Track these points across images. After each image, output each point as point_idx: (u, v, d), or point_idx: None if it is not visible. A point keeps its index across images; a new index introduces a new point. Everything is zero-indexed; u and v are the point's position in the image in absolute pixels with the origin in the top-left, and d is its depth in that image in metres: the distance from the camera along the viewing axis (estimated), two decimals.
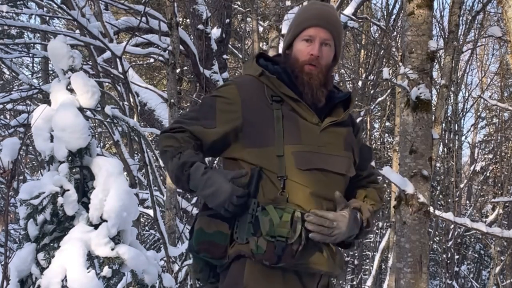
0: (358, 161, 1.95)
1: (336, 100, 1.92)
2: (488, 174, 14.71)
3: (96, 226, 2.60)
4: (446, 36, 6.99)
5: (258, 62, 1.94)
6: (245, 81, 1.91)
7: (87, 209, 2.64)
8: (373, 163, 4.42)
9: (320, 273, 1.82)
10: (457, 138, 12.53)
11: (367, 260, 14.06)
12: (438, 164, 11.92)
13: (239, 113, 1.82)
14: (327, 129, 1.85)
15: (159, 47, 5.54)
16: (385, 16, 11.61)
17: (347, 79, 10.74)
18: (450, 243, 11.34)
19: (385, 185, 12.30)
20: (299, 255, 1.72)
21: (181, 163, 1.75)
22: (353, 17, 7.92)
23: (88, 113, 3.21)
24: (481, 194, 14.87)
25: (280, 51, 2.06)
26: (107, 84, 7.06)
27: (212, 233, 1.77)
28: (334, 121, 1.87)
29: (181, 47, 6.30)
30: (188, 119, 1.88)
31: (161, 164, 6.68)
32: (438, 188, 13.52)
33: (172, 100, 4.79)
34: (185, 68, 10.69)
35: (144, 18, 6.49)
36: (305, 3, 7.29)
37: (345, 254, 10.61)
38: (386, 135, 14.72)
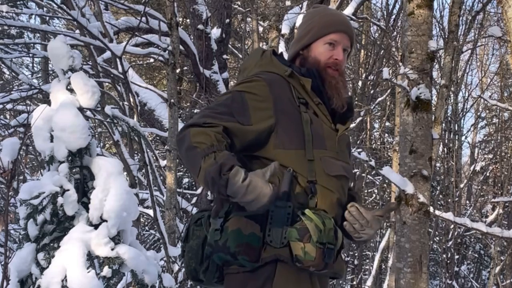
0: None
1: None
2: (488, 174, 14.71)
3: (96, 226, 2.60)
4: (446, 36, 6.98)
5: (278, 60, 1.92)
6: (274, 79, 1.83)
7: (87, 209, 2.64)
8: (373, 163, 4.41)
9: (337, 276, 1.87)
10: (457, 138, 12.54)
11: (367, 260, 14.05)
12: (438, 164, 11.92)
13: (272, 112, 1.76)
14: (340, 136, 1.89)
15: (159, 47, 5.54)
16: (385, 16, 11.62)
17: (347, 79, 10.73)
18: (450, 243, 11.34)
19: (385, 185, 12.31)
20: (337, 261, 1.76)
21: (219, 165, 1.57)
22: (353, 17, 7.91)
23: (88, 113, 3.21)
24: (481, 194, 14.87)
25: (280, 50, 2.05)
26: (107, 84, 7.06)
27: (248, 235, 1.69)
28: (347, 128, 1.91)
29: (181, 47, 6.30)
30: (219, 113, 1.71)
31: (161, 164, 6.69)
32: (438, 188, 13.52)
33: (172, 100, 4.79)
34: (185, 68, 10.70)
35: (144, 18, 6.50)
36: (305, 4, 7.30)
37: (345, 254, 10.61)
38: (386, 135, 14.71)
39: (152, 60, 8.92)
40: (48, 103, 2.86)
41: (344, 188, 1.86)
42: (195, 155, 1.63)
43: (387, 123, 13.72)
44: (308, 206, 1.74)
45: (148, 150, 5.53)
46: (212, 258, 1.75)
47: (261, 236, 1.70)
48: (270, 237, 1.69)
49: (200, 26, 7.42)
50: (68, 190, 2.61)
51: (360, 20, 8.87)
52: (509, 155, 12.91)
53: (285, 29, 7.31)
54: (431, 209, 4.53)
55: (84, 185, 2.75)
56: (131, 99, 5.71)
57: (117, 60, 5.06)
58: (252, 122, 1.73)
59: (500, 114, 13.77)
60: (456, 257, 11.82)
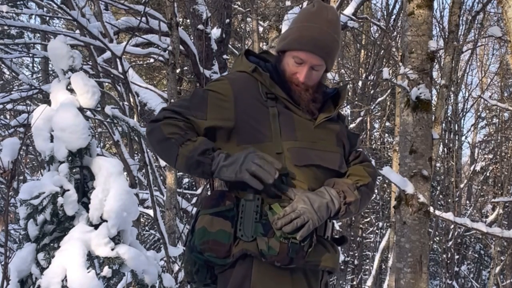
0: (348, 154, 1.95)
1: (326, 96, 1.93)
2: (488, 174, 14.72)
3: (96, 226, 2.60)
4: (446, 36, 6.98)
5: (248, 59, 1.93)
6: (238, 77, 1.88)
7: (87, 209, 2.64)
8: (373, 163, 4.41)
9: (327, 270, 1.82)
10: (457, 138, 12.54)
11: (367, 260, 14.06)
12: (438, 164, 11.93)
13: (232, 110, 1.79)
14: (320, 125, 1.85)
15: (159, 47, 5.54)
16: (385, 16, 11.63)
17: (347, 79, 10.76)
18: (450, 243, 11.35)
19: (385, 185, 12.31)
20: (309, 255, 1.73)
21: (202, 150, 1.72)
22: (353, 17, 7.91)
23: (88, 113, 3.21)
24: (481, 194, 14.88)
25: None
26: (107, 84, 7.06)
27: (215, 232, 1.72)
28: (327, 117, 1.87)
29: (181, 47, 6.30)
30: (179, 107, 1.83)
31: (161, 164, 6.68)
32: (438, 188, 13.53)
33: (172, 100, 4.78)
34: (185, 68, 10.70)
35: (144, 18, 6.49)
36: (305, 4, 7.29)
37: (345, 254, 10.60)
38: (386, 135, 14.72)
39: (152, 60, 8.92)
40: (48, 103, 2.86)
41: (319, 176, 1.81)
42: (170, 145, 1.76)
43: (387, 123, 13.72)
44: (281, 199, 1.74)
45: (148, 150, 5.53)
46: (194, 259, 1.81)
47: (231, 232, 1.73)
48: (241, 232, 1.72)
49: (200, 26, 7.42)
50: (68, 190, 2.61)
51: (360, 20, 8.87)
52: (509, 155, 12.92)
53: (285, 29, 7.30)
54: (431, 209, 4.53)
55: (84, 185, 2.75)
56: (131, 99, 5.70)
57: (117, 60, 5.06)
58: (207, 118, 1.80)
59: (500, 114, 13.78)
60: (456, 257, 11.82)
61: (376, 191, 12.28)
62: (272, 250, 1.69)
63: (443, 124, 10.31)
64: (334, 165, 1.85)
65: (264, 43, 9.91)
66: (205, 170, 1.74)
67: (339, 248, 1.92)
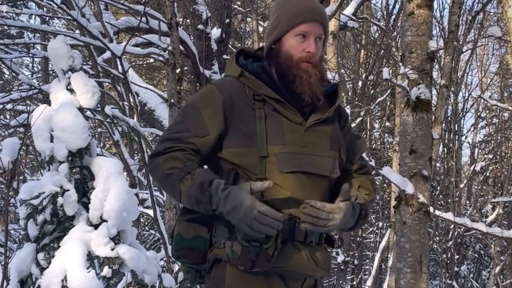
0: (345, 158, 1.89)
1: (323, 93, 1.84)
2: (488, 174, 14.72)
3: (96, 226, 2.61)
4: (446, 36, 6.98)
5: (237, 61, 1.88)
6: (225, 82, 1.85)
7: (87, 209, 2.64)
8: (373, 163, 4.40)
9: (301, 275, 1.78)
10: (457, 138, 12.53)
11: (367, 260, 14.06)
12: (438, 164, 11.92)
13: (221, 114, 1.76)
14: (311, 128, 1.79)
15: (159, 47, 5.53)
16: (385, 16, 11.63)
17: (347, 79, 10.76)
18: (450, 243, 11.35)
19: (385, 185, 12.31)
20: (275, 260, 1.68)
21: (198, 183, 1.64)
22: (353, 17, 7.92)
23: (88, 113, 3.21)
24: (481, 194, 14.87)
25: None
26: (107, 84, 7.06)
27: (191, 239, 1.73)
28: (319, 119, 1.80)
29: (181, 47, 6.30)
30: (177, 132, 1.77)
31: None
32: (438, 188, 13.52)
33: (172, 100, 4.78)
34: (185, 68, 10.69)
35: (144, 18, 6.49)
36: None
37: (345, 254, 10.60)
38: (386, 135, 14.71)
39: (152, 60, 8.93)
40: (48, 103, 2.86)
41: (306, 183, 1.74)
42: (172, 182, 1.70)
43: (387, 123, 13.72)
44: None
45: (148, 150, 5.52)
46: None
47: (208, 238, 1.74)
48: (215, 238, 1.73)
49: (200, 26, 7.41)
50: (68, 190, 2.61)
51: (360, 20, 8.88)
52: (509, 155, 12.91)
53: None
54: (431, 209, 4.53)
55: (84, 185, 2.75)
56: (131, 99, 5.70)
57: (117, 60, 5.06)
58: (210, 131, 1.75)
59: (500, 114, 13.77)
60: (456, 257, 11.82)
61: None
62: (234, 254, 1.67)
63: (443, 124, 10.29)
64: (324, 171, 1.78)
65: (264, 43, 9.90)
66: (207, 209, 1.66)
67: (339, 249, 1.92)
